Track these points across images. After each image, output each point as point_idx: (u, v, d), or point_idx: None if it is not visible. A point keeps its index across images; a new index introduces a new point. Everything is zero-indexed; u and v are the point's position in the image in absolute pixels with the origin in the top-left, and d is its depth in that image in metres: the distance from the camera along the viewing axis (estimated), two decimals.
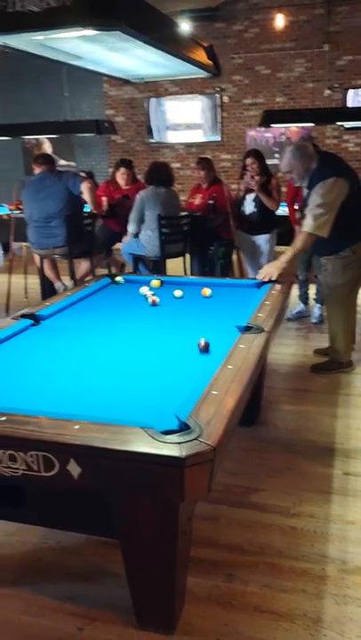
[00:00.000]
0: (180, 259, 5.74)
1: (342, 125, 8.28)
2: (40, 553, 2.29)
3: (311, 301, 5.31)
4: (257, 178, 5.23)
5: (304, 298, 5.35)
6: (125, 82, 9.66)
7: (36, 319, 2.78)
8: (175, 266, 5.76)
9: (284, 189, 5.52)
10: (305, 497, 2.62)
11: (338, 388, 3.83)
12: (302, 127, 8.65)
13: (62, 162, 10.24)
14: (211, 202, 5.57)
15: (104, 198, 5.89)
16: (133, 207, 5.36)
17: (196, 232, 5.59)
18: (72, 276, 5.40)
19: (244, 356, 2.17)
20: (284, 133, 9.36)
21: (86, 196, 5.22)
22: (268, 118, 5.97)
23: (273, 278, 3.46)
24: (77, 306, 3.16)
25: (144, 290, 3.29)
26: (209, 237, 5.63)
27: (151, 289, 3.32)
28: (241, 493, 2.65)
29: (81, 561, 2.24)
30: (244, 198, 5.40)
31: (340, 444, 3.10)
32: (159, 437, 1.54)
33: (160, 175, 5.42)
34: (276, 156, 8.79)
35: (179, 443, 1.51)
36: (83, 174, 6.38)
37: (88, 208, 5.48)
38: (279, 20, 8.16)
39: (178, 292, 3.29)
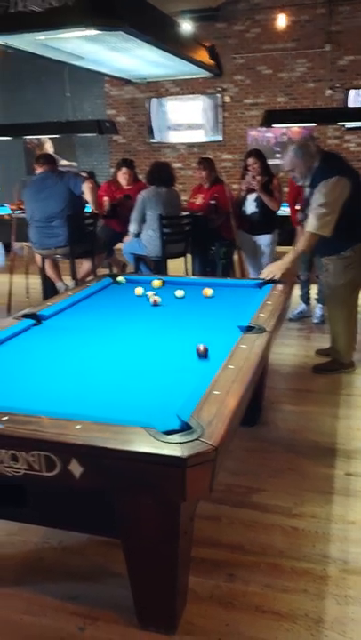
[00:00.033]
0: (182, 259, 5.74)
1: (344, 125, 8.28)
2: (42, 552, 2.30)
3: (313, 301, 5.31)
4: (258, 178, 5.23)
5: (306, 298, 5.34)
6: (127, 82, 9.66)
7: (37, 319, 2.78)
8: (176, 266, 5.76)
9: (285, 189, 5.52)
10: (306, 497, 2.61)
11: (339, 389, 3.83)
12: (304, 127, 8.65)
13: (64, 162, 10.24)
14: (212, 202, 5.58)
15: (105, 198, 5.90)
16: (135, 207, 5.37)
17: (198, 232, 5.59)
18: (73, 275, 5.40)
19: (245, 356, 2.17)
20: (285, 133, 9.36)
21: (88, 196, 5.22)
22: (270, 118, 5.98)
23: (276, 278, 3.46)
24: (79, 306, 3.16)
25: (139, 291, 3.29)
26: (210, 237, 5.63)
27: (148, 289, 3.32)
28: (242, 493, 2.65)
29: (83, 560, 2.24)
30: (245, 198, 5.40)
31: (342, 444, 3.10)
32: (161, 437, 1.54)
33: (161, 175, 5.42)
34: (278, 156, 8.78)
35: (180, 443, 1.51)
36: (84, 174, 6.38)
37: (89, 208, 5.48)
38: (280, 20, 8.15)
39: (179, 292, 3.29)
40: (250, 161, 5.30)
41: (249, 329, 2.50)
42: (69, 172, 5.83)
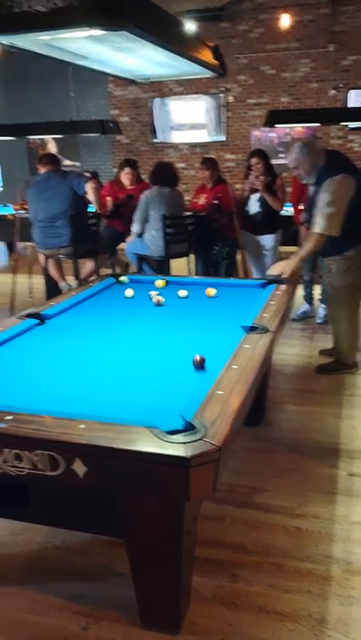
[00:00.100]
0: (185, 259, 5.74)
1: (347, 125, 8.26)
2: (45, 552, 2.30)
3: (316, 302, 5.31)
4: (262, 178, 5.22)
5: (309, 298, 5.34)
6: (131, 82, 9.67)
7: (40, 319, 2.79)
8: (179, 266, 5.76)
9: (288, 189, 5.52)
10: (310, 497, 2.61)
11: (342, 389, 3.83)
12: (307, 127, 8.64)
13: (67, 162, 10.26)
14: (215, 202, 5.57)
15: (108, 198, 5.91)
16: (138, 207, 5.37)
17: (201, 232, 5.59)
18: (76, 275, 5.41)
19: (249, 356, 2.17)
20: (288, 133, 9.35)
21: (91, 196, 5.23)
22: (273, 118, 5.96)
23: (285, 276, 3.47)
24: (82, 305, 3.16)
25: (129, 292, 3.28)
26: (213, 237, 5.62)
27: (148, 289, 3.31)
28: (246, 493, 2.65)
29: (86, 560, 2.25)
30: (248, 198, 5.40)
31: (345, 444, 3.09)
32: (164, 437, 1.55)
33: (164, 175, 5.42)
34: (281, 155, 8.77)
35: (184, 442, 1.51)
36: (87, 174, 6.39)
37: (93, 208, 5.49)
38: (284, 20, 8.15)
39: (182, 292, 3.29)
40: (253, 161, 5.30)
41: (252, 329, 2.50)
42: (73, 172, 5.83)
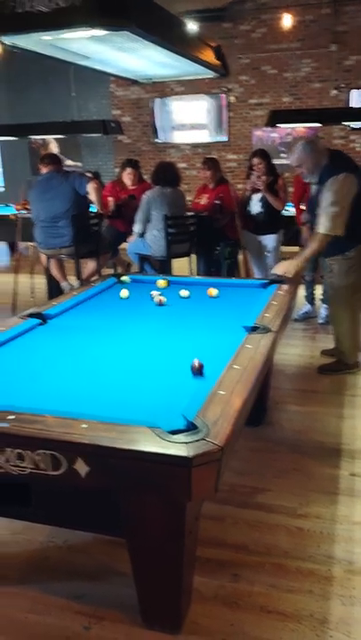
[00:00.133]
0: (186, 259, 5.74)
1: (349, 125, 8.25)
2: (47, 551, 2.30)
3: (318, 302, 5.30)
4: (263, 178, 5.22)
5: (311, 298, 5.34)
6: (133, 82, 9.67)
7: (42, 318, 2.79)
8: (181, 266, 5.76)
9: (290, 189, 5.51)
10: (311, 498, 2.61)
11: (344, 389, 3.83)
12: (309, 127, 8.64)
13: (69, 162, 10.26)
14: (217, 202, 5.57)
15: (110, 198, 5.90)
16: (139, 207, 5.37)
17: (203, 232, 5.59)
18: (78, 275, 5.41)
19: (250, 356, 2.17)
20: (290, 134, 9.34)
21: (92, 196, 5.23)
22: (275, 118, 5.96)
23: (289, 276, 3.47)
24: (84, 305, 3.17)
25: (124, 293, 3.28)
26: (215, 237, 5.62)
27: (150, 289, 3.32)
28: (247, 493, 2.65)
29: (88, 560, 2.25)
30: (250, 198, 5.40)
31: (347, 444, 3.09)
32: (166, 437, 1.55)
33: (166, 175, 5.43)
34: (283, 155, 8.78)
35: (186, 442, 1.51)
36: (89, 174, 6.39)
37: (94, 208, 5.49)
38: (286, 20, 8.14)
39: (184, 292, 3.29)
40: (255, 161, 5.30)
41: (254, 329, 2.50)
42: (74, 173, 5.84)
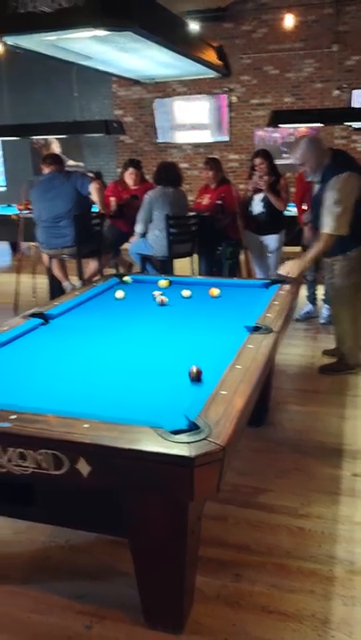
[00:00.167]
0: (188, 259, 5.75)
1: (351, 126, 8.25)
2: (49, 551, 2.31)
3: (319, 302, 5.30)
4: (265, 178, 5.22)
5: (312, 298, 5.34)
6: (135, 82, 9.66)
7: (44, 318, 2.79)
8: (183, 266, 5.76)
9: (292, 189, 5.51)
10: (313, 498, 2.61)
11: (346, 390, 3.82)
12: (311, 127, 8.63)
13: (71, 162, 10.26)
14: (219, 202, 5.57)
15: (112, 198, 5.90)
16: (141, 207, 5.37)
17: (204, 232, 5.59)
18: (80, 275, 5.42)
19: (252, 357, 2.17)
20: (292, 134, 9.32)
21: (94, 196, 5.23)
22: (277, 118, 5.96)
23: (294, 276, 3.48)
24: (85, 305, 3.17)
25: (119, 294, 3.28)
26: (217, 237, 5.63)
27: (152, 289, 3.32)
28: (249, 493, 2.65)
29: (90, 559, 2.25)
30: (252, 198, 5.40)
31: (348, 445, 3.09)
32: (168, 437, 1.55)
33: (168, 175, 5.43)
34: (285, 156, 8.76)
35: (188, 442, 1.52)
36: (91, 174, 6.40)
37: (96, 208, 5.49)
38: (288, 20, 8.13)
39: (186, 292, 3.29)
40: (257, 161, 5.30)
41: (256, 329, 2.50)
42: (76, 173, 5.84)
